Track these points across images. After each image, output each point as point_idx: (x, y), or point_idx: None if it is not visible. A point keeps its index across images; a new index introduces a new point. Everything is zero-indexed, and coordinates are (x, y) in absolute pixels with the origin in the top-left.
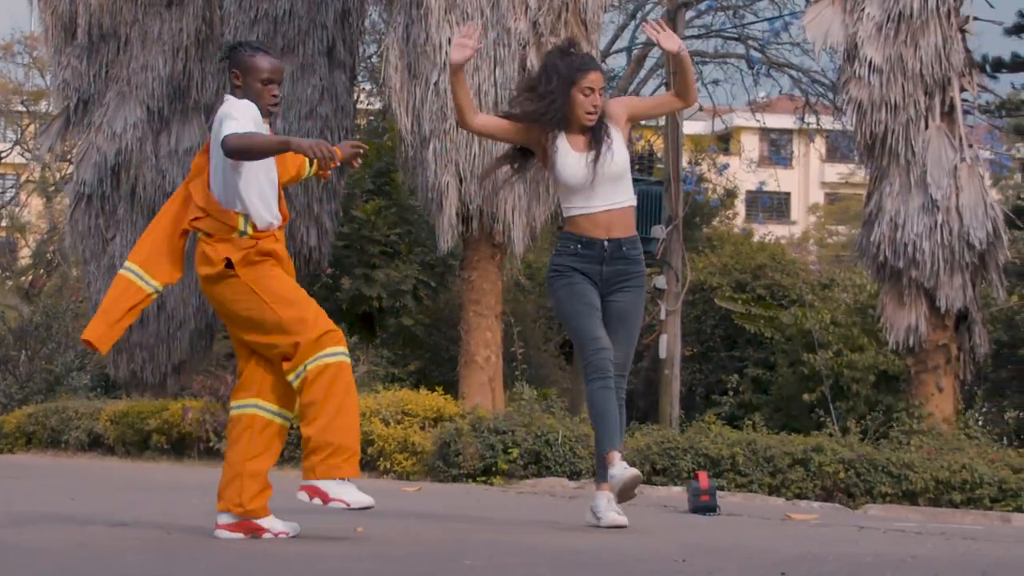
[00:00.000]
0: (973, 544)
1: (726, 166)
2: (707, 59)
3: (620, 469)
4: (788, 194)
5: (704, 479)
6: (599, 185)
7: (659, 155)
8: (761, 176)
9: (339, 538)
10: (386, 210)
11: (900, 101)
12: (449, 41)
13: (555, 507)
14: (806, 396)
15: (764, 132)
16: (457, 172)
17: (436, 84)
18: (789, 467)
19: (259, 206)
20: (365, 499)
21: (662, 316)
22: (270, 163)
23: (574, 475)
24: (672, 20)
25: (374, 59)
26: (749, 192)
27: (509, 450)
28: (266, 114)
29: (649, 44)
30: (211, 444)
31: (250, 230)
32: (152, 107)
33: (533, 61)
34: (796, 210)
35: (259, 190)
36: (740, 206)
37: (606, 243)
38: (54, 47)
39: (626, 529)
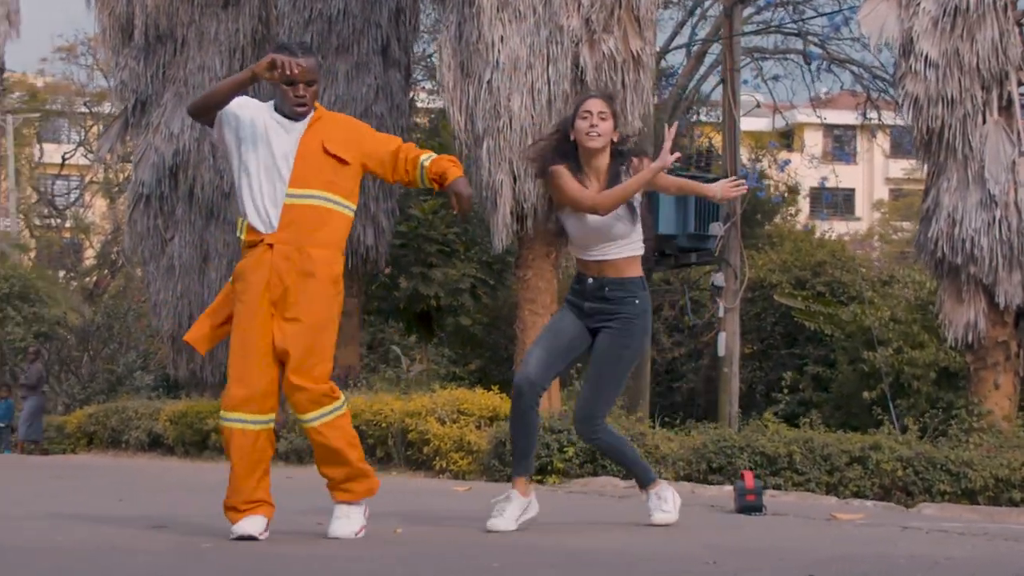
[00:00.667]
0: (1015, 545)
1: (787, 162)
2: (767, 55)
3: (501, 521)
4: (853, 190)
5: (750, 479)
6: (593, 243)
7: (717, 152)
8: (824, 172)
9: (374, 539)
10: (443, 208)
11: (957, 96)
12: (502, 39)
13: (601, 507)
14: (866, 394)
15: (828, 128)
16: (511, 170)
17: (489, 82)
18: (847, 465)
19: (251, 210)
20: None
21: (720, 314)
22: (271, 164)
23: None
24: (729, 17)
25: (433, 58)
26: (813, 189)
27: (564, 449)
28: (292, 116)
29: (708, 41)
30: None
31: (244, 235)
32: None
33: (586, 59)
34: (860, 206)
35: (251, 193)
36: (803, 203)
37: (590, 281)
38: (112, 48)
39: (662, 528)
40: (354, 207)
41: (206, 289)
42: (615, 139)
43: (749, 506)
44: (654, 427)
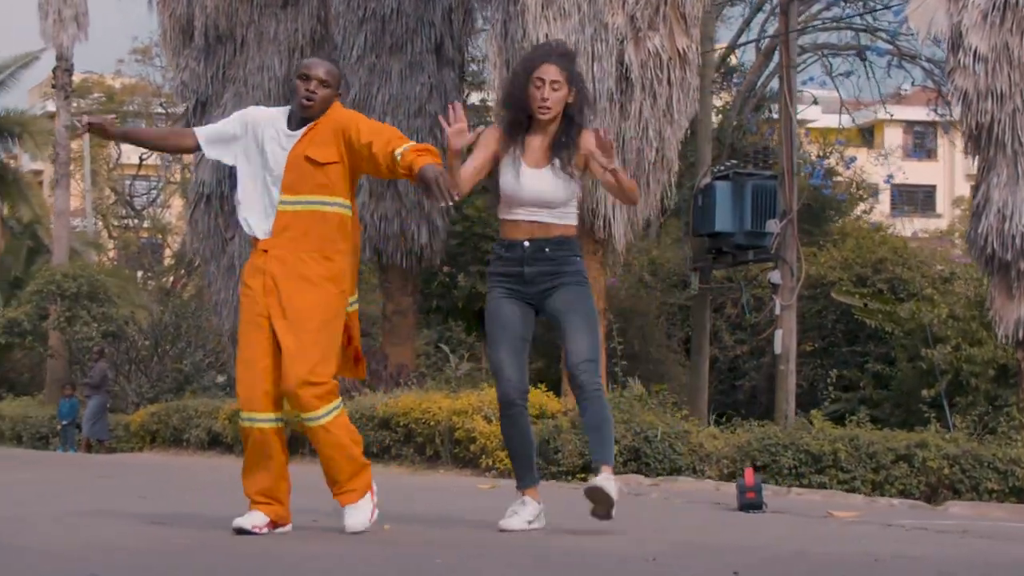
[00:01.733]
0: (983, 543)
1: (853, 159)
2: (837, 52)
3: (515, 521)
4: (933, 187)
5: (750, 476)
6: (528, 204)
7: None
8: (893, 170)
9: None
10: None
11: (1006, 90)
12: (547, 37)
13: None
14: (924, 392)
15: (908, 125)
16: None
17: None
18: (892, 463)
19: (246, 216)
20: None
21: (776, 311)
22: (265, 171)
23: (674, 471)
24: (785, 14)
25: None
26: (895, 186)
27: None
28: (300, 112)
29: (775, 37)
30: None
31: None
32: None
33: (631, 56)
34: (941, 203)
35: (246, 199)
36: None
37: (526, 243)
38: (172, 50)
39: (617, 530)
40: (349, 203)
41: None
42: (570, 101)
43: (749, 503)
44: (708, 424)
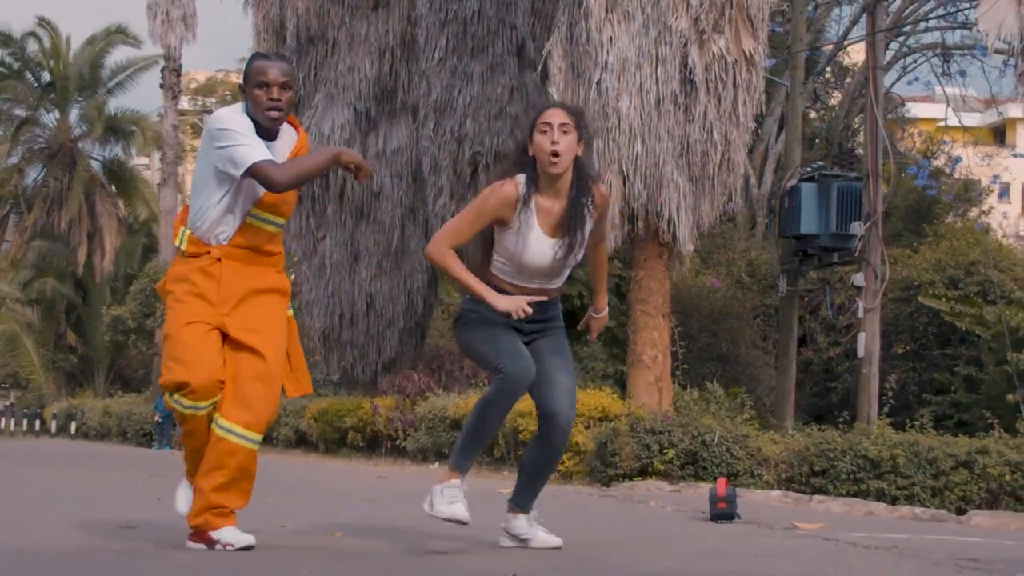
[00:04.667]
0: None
1: (959, 159)
2: (953, 51)
3: (445, 503)
4: None
5: (722, 486)
6: (537, 272)
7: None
8: (996, 170)
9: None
10: None
11: None
12: (611, 40)
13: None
14: (1010, 396)
15: None
16: (620, 171)
17: (598, 83)
18: (952, 469)
19: (204, 225)
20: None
21: (859, 314)
22: (237, 183)
23: (732, 475)
24: (871, 14)
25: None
26: None
27: (665, 450)
28: (266, 124)
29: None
30: (398, 442)
31: (184, 246)
32: (359, 108)
33: (695, 59)
34: None
35: (206, 209)
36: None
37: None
38: (265, 50)
39: (515, 545)
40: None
41: (356, 288)
42: (579, 153)
43: (720, 514)
44: (789, 428)
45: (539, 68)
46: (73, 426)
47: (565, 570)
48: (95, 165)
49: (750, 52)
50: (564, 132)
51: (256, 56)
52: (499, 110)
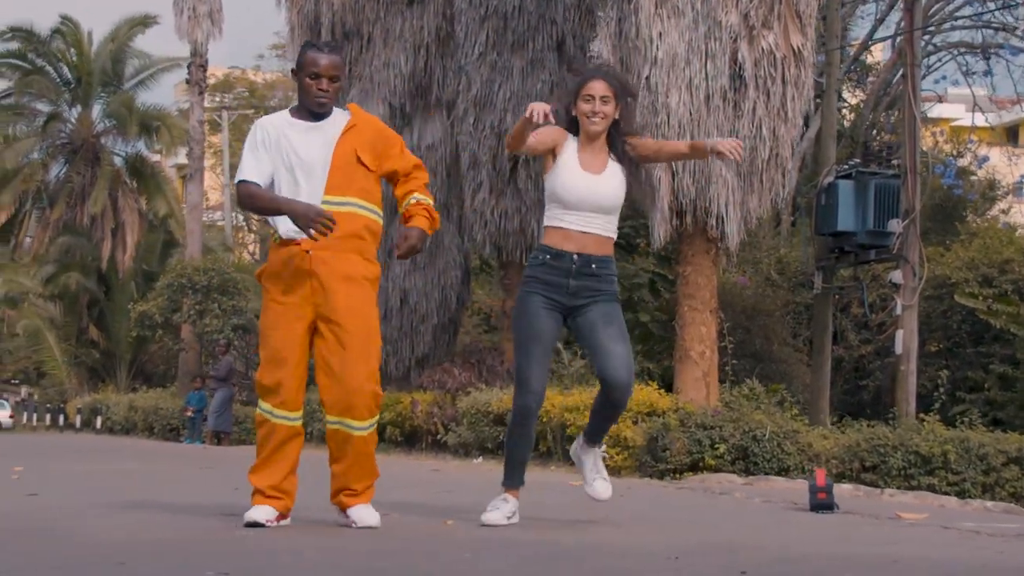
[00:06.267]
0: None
1: (986, 158)
2: (976, 51)
3: (488, 511)
4: None
5: (821, 477)
6: (585, 208)
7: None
8: None
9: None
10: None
11: None
12: (660, 36)
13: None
14: None
15: None
16: (669, 166)
17: (648, 79)
18: (1003, 466)
19: (278, 220)
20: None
21: (897, 311)
22: (301, 171)
23: (782, 471)
24: (910, 12)
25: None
26: None
27: (716, 445)
28: (315, 111)
29: (900, 35)
30: (439, 437)
31: (278, 240)
32: (394, 104)
33: (744, 55)
34: None
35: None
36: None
37: (576, 257)
38: (300, 46)
39: (658, 527)
40: (380, 211)
41: (390, 283)
42: (617, 117)
43: (821, 504)
44: (826, 424)
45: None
46: (99, 421)
47: (731, 564)
48: (117, 161)
49: (799, 48)
50: (605, 103)
51: (309, 46)
52: None
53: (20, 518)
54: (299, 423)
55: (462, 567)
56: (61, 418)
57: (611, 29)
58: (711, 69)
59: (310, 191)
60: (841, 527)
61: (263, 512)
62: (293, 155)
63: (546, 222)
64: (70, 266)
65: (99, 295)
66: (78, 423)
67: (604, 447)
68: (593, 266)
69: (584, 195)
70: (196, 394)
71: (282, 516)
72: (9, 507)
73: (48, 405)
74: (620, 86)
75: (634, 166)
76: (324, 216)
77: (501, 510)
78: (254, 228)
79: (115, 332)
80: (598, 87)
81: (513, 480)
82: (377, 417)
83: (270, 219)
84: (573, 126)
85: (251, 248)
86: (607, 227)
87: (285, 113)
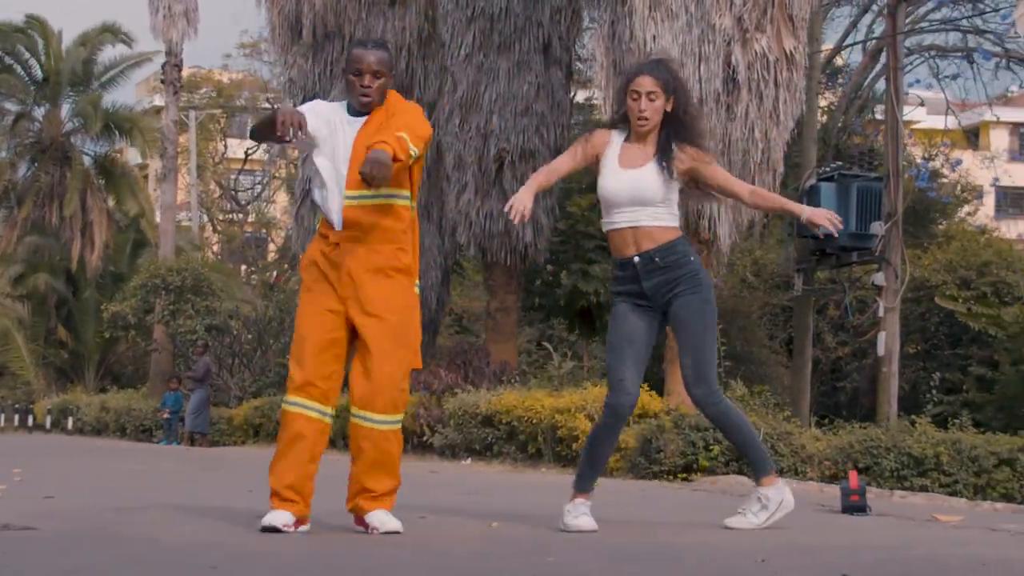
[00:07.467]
0: None
1: (959, 162)
2: (945, 54)
3: (572, 518)
4: None
5: (854, 479)
6: (625, 203)
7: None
8: (1010, 172)
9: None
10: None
11: None
12: (654, 38)
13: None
14: None
15: (1015, 127)
16: None
17: None
18: (995, 467)
19: (330, 205)
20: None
21: (880, 313)
22: (335, 165)
23: (776, 473)
24: (892, 16)
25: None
26: (1000, 188)
27: (710, 447)
28: (358, 107)
29: (882, 39)
30: (424, 438)
31: (319, 226)
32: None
33: (738, 58)
34: None
35: (320, 193)
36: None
37: (636, 259)
38: (280, 46)
39: (716, 530)
40: (409, 194)
41: None
42: (668, 109)
43: (853, 506)
44: (809, 426)
45: (564, 65)
46: (70, 421)
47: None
48: (87, 160)
49: (791, 51)
50: (651, 100)
51: (355, 43)
52: (525, 107)
53: (69, 518)
54: (316, 415)
55: (563, 569)
56: (29, 419)
57: (605, 31)
58: (705, 72)
59: (342, 186)
60: (894, 530)
61: (280, 517)
62: (339, 146)
63: (603, 227)
64: (38, 266)
65: (67, 295)
66: (48, 424)
67: (762, 492)
68: (656, 259)
69: (621, 192)
70: (172, 395)
71: (300, 522)
72: (36, 508)
73: (16, 405)
74: (669, 78)
75: (671, 173)
76: (296, 116)
77: (588, 514)
78: (219, 228)
79: (83, 333)
80: (645, 82)
81: (587, 483)
82: (400, 415)
83: (319, 204)
84: (623, 121)
85: (215, 249)
86: (657, 216)
87: (339, 104)
